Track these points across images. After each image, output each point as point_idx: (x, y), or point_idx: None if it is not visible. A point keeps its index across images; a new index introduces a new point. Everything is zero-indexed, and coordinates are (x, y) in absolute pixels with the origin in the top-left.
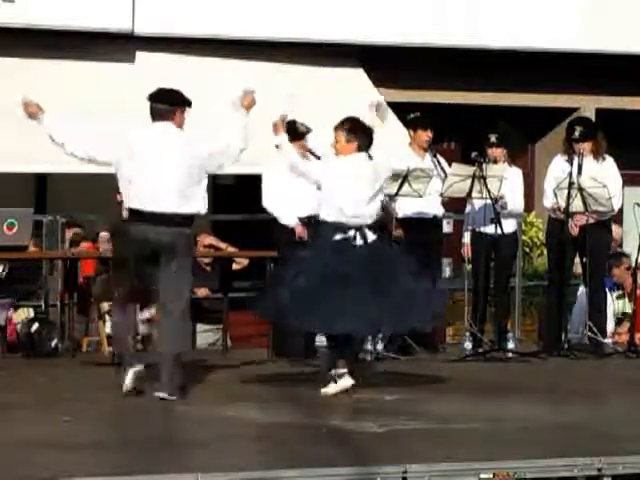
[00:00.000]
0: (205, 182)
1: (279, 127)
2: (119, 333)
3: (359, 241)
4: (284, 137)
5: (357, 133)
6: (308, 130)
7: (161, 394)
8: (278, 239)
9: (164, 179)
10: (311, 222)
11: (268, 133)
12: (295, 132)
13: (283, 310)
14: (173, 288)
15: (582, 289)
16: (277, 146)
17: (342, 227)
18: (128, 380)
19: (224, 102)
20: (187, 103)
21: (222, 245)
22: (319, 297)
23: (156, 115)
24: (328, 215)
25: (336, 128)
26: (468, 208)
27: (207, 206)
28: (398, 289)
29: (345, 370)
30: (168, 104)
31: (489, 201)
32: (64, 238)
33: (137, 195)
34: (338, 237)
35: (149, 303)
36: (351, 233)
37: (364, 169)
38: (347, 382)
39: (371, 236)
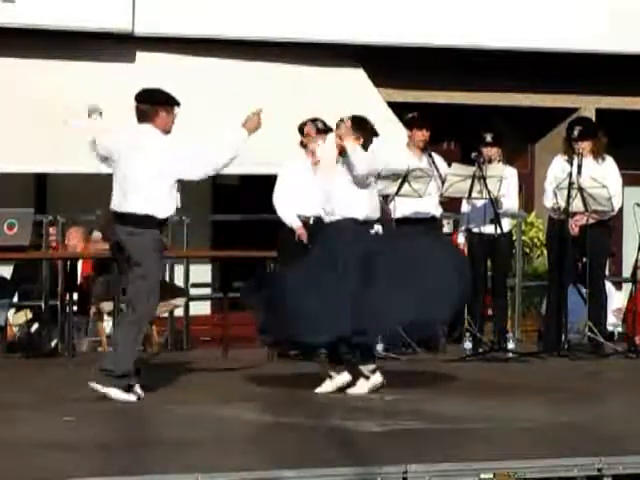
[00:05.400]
0: (175, 185)
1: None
2: None
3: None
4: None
5: (364, 130)
6: (327, 128)
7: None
8: (282, 241)
9: (130, 179)
10: (316, 223)
11: (268, 134)
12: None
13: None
14: (129, 296)
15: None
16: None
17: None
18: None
19: (224, 102)
20: (171, 103)
21: None
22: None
23: (139, 116)
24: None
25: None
26: (464, 208)
27: (174, 208)
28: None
29: (374, 366)
30: (149, 104)
31: (485, 201)
32: (64, 238)
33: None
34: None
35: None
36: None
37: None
38: (379, 378)
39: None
